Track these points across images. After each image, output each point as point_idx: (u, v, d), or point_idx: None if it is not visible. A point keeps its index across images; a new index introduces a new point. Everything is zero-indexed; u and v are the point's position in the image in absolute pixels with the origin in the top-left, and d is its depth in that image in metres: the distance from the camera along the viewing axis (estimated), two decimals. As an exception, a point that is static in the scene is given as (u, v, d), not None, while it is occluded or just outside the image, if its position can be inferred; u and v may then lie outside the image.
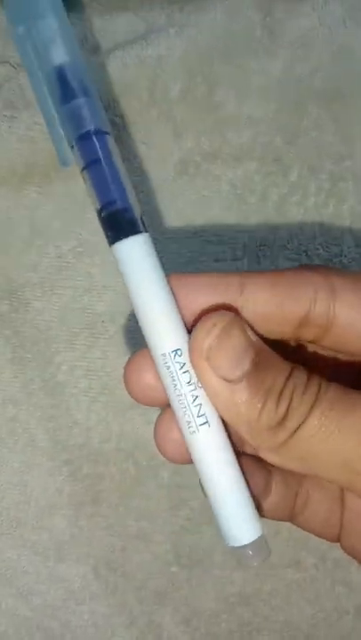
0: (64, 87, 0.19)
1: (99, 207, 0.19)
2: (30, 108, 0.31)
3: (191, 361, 0.19)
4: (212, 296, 0.20)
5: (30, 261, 0.31)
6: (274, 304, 0.20)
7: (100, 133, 0.20)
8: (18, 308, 0.30)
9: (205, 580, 0.29)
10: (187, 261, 0.31)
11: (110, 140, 0.20)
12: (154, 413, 0.30)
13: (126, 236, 0.19)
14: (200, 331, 0.19)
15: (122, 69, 0.32)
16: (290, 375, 0.19)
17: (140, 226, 0.20)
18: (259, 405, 0.19)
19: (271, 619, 0.28)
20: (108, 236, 0.20)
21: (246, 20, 0.33)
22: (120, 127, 0.32)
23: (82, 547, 0.29)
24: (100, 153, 0.19)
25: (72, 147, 0.20)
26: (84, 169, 0.20)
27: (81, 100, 0.19)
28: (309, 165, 0.32)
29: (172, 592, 0.29)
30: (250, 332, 0.20)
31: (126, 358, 0.30)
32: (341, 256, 0.31)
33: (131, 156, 0.32)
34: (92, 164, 0.19)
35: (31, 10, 0.19)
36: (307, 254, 0.31)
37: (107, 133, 0.20)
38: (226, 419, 0.20)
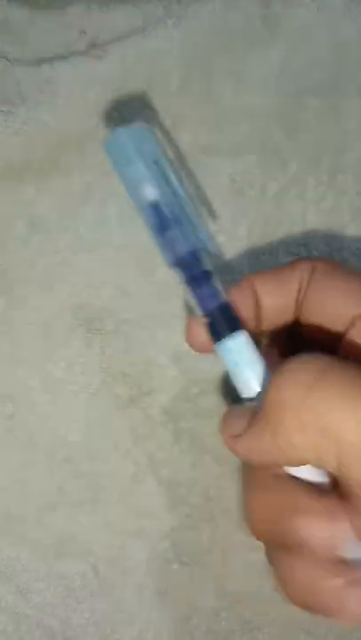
0: (159, 219, 0.24)
1: (203, 314, 0.24)
2: (26, 102, 0.31)
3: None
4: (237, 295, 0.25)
5: (27, 257, 0.30)
6: (274, 297, 0.24)
7: (192, 254, 0.24)
8: (15, 305, 0.30)
9: (206, 578, 0.29)
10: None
11: (202, 256, 0.24)
12: (153, 410, 0.30)
13: (230, 332, 0.24)
14: (221, 423, 0.24)
15: (120, 62, 0.31)
16: None
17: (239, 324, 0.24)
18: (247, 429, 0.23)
19: (272, 617, 0.27)
20: (213, 336, 0.24)
21: (245, 11, 0.32)
22: (118, 121, 0.31)
23: (81, 544, 0.29)
24: (194, 271, 0.24)
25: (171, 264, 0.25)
26: (185, 283, 0.24)
27: (175, 232, 0.24)
28: (309, 158, 0.32)
29: (173, 590, 0.29)
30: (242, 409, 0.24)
31: (125, 354, 0.30)
32: (342, 249, 0.31)
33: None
34: (191, 281, 0.24)
35: (123, 157, 0.24)
36: (306, 247, 0.31)
37: (198, 251, 0.25)
38: (249, 462, 0.24)
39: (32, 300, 0.30)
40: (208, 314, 0.24)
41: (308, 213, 0.31)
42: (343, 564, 0.21)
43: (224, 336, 0.23)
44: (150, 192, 0.24)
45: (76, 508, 0.29)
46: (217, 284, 0.24)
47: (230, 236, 0.31)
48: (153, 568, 0.29)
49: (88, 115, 0.31)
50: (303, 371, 0.21)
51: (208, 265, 0.24)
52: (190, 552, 0.29)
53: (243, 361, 0.23)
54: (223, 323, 0.24)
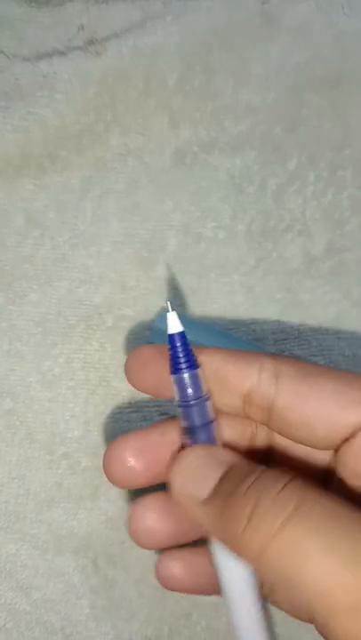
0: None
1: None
2: (25, 98, 0.31)
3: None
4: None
5: (26, 253, 0.30)
6: (220, 376, 0.21)
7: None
8: (14, 300, 0.30)
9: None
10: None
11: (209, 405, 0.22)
12: (151, 408, 0.30)
13: None
14: (170, 472, 0.21)
15: (118, 58, 0.31)
16: (258, 478, 0.19)
17: None
18: (226, 514, 0.19)
19: (272, 611, 0.27)
20: None
21: (244, 6, 0.32)
22: (117, 116, 0.31)
23: (81, 540, 0.29)
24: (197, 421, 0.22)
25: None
26: (185, 429, 0.22)
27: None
28: (308, 154, 0.32)
29: (172, 585, 0.29)
30: (215, 451, 0.21)
31: (123, 350, 0.30)
32: (344, 252, 0.31)
33: (128, 146, 0.31)
34: (188, 428, 0.22)
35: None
36: (308, 234, 0.31)
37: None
38: (210, 536, 0.21)
39: (31, 295, 0.30)
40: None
41: (308, 209, 0.31)
42: None
43: None
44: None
45: (76, 503, 0.29)
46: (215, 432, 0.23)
47: (230, 232, 0.31)
48: (153, 564, 0.29)
49: (86, 110, 0.31)
50: (279, 500, 0.18)
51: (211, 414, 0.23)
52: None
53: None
54: None
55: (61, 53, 0.31)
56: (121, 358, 0.30)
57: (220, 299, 0.30)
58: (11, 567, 0.29)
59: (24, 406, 0.29)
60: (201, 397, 0.22)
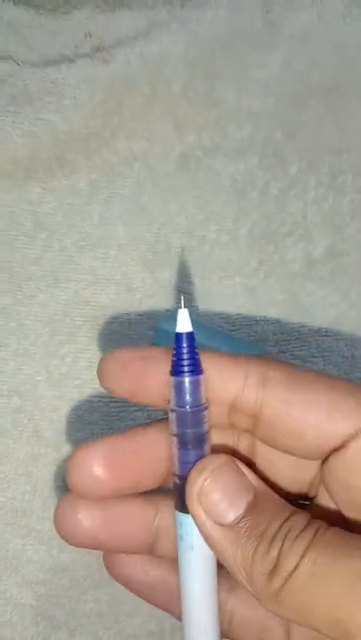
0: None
1: (177, 474, 0.21)
2: (33, 103, 0.32)
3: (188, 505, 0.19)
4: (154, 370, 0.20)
5: (34, 255, 0.31)
6: (204, 383, 0.20)
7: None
8: (22, 301, 0.31)
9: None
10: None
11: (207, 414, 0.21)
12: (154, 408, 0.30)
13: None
14: (192, 474, 0.19)
15: (124, 65, 0.32)
16: (287, 519, 0.18)
17: None
18: (251, 551, 0.18)
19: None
20: (177, 504, 0.20)
21: (247, 14, 0.33)
22: (123, 122, 0.32)
23: (86, 536, 0.29)
24: (193, 430, 0.21)
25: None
26: (173, 435, 0.21)
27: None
28: (309, 159, 0.32)
29: (175, 580, 0.29)
30: (248, 473, 0.19)
31: (128, 350, 0.30)
32: (344, 255, 0.31)
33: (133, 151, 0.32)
34: (180, 436, 0.21)
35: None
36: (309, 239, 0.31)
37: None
38: (224, 564, 0.19)
39: (38, 296, 0.31)
40: (182, 478, 0.20)
41: (309, 213, 0.32)
42: None
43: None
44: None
45: (81, 500, 0.29)
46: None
47: (233, 236, 0.31)
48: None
49: (94, 116, 0.32)
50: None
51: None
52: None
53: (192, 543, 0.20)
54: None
55: (69, 60, 0.32)
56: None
57: (223, 300, 0.31)
58: (17, 562, 0.29)
59: (31, 404, 0.30)
60: (201, 405, 0.20)
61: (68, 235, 0.31)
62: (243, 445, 0.22)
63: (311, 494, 0.22)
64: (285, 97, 0.33)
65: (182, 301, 0.21)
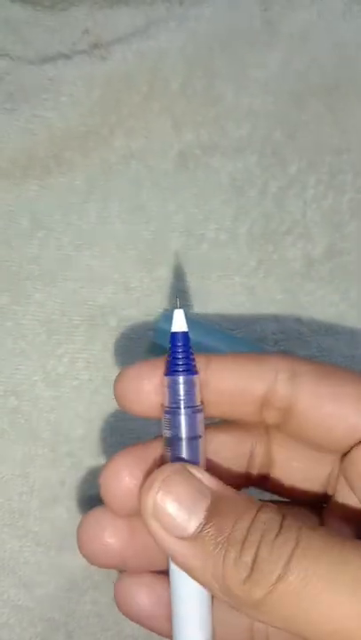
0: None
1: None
2: (30, 101, 0.31)
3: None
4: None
5: (31, 254, 0.31)
6: (235, 381, 0.20)
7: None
8: (19, 300, 0.30)
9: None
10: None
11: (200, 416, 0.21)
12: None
13: None
14: (142, 490, 0.18)
15: (122, 62, 0.32)
16: (255, 519, 0.17)
17: None
18: (221, 559, 0.17)
19: None
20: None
21: (246, 12, 0.33)
22: (121, 119, 0.32)
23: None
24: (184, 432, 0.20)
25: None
26: (167, 439, 0.20)
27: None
28: (308, 158, 0.32)
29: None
30: (201, 476, 0.18)
31: (126, 350, 0.30)
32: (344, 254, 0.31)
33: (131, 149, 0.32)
34: (173, 439, 0.20)
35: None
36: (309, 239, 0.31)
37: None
38: (195, 579, 0.18)
39: (35, 295, 0.30)
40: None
41: (308, 212, 0.31)
42: None
43: None
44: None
45: (79, 501, 0.29)
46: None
47: (231, 235, 0.31)
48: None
49: (91, 113, 0.32)
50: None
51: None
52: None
53: None
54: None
55: (66, 57, 0.32)
56: (124, 359, 0.30)
57: (222, 299, 0.31)
58: (14, 564, 0.29)
59: (29, 405, 0.30)
60: (194, 407, 0.20)
61: (65, 233, 0.31)
62: (259, 452, 0.22)
63: (329, 492, 0.22)
64: (285, 95, 0.33)
65: (178, 302, 0.21)
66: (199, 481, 0.18)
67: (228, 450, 0.22)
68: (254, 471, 0.22)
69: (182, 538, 0.17)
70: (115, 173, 0.32)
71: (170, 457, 0.20)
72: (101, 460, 0.30)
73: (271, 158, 0.32)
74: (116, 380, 0.21)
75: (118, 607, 0.22)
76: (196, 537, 0.17)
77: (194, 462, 0.20)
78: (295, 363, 0.20)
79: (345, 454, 0.20)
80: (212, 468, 0.21)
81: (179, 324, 0.21)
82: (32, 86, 0.32)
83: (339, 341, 0.31)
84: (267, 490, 0.23)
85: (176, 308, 0.21)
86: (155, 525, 0.18)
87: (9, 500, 0.29)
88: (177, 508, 0.18)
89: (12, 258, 0.31)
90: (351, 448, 0.20)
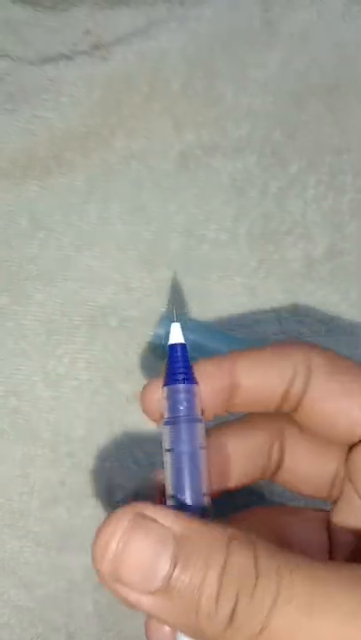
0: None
1: (171, 494, 0.20)
2: (31, 101, 0.31)
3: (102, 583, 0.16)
4: (210, 381, 0.21)
5: (31, 254, 0.31)
6: (263, 378, 0.21)
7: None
8: (19, 301, 0.30)
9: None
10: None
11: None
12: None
13: None
14: (97, 547, 0.16)
15: (123, 63, 0.32)
16: (226, 563, 0.15)
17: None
18: (194, 610, 0.15)
19: None
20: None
21: (246, 13, 0.33)
22: (122, 120, 0.32)
23: (84, 537, 0.29)
24: (184, 444, 0.20)
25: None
26: (167, 451, 0.20)
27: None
28: (309, 158, 0.32)
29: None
30: (160, 517, 0.16)
31: (127, 350, 0.30)
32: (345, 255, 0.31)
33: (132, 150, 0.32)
34: (173, 451, 0.20)
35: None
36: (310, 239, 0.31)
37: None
38: (168, 626, 0.17)
39: (36, 295, 0.30)
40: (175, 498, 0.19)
41: (308, 212, 0.31)
42: None
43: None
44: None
45: (79, 501, 0.29)
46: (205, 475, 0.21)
47: (232, 235, 0.31)
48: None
49: (92, 113, 0.32)
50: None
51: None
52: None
53: None
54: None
55: (67, 57, 0.32)
56: (124, 359, 0.30)
57: (222, 300, 0.31)
58: (14, 564, 0.29)
59: (29, 405, 0.30)
60: (193, 417, 0.20)
61: (65, 234, 0.31)
62: (276, 446, 0.23)
63: (336, 491, 0.22)
64: (284, 96, 0.33)
65: (175, 315, 0.22)
66: (159, 525, 0.16)
67: (250, 445, 0.22)
68: (271, 465, 0.23)
69: (149, 592, 0.16)
70: (115, 174, 0.32)
71: (169, 469, 0.20)
72: (101, 461, 0.30)
73: (271, 158, 0.32)
74: (142, 392, 0.21)
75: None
76: (165, 589, 0.16)
77: (193, 473, 0.19)
78: (311, 354, 0.21)
79: (351, 451, 0.21)
80: (233, 462, 0.22)
81: (175, 336, 0.21)
82: (32, 87, 0.32)
83: (339, 342, 0.31)
84: (278, 483, 0.24)
85: (173, 315, 0.21)
86: (116, 586, 0.16)
87: (9, 501, 0.29)
88: (138, 567, 0.16)
89: (12, 258, 0.31)
90: (356, 444, 0.21)
